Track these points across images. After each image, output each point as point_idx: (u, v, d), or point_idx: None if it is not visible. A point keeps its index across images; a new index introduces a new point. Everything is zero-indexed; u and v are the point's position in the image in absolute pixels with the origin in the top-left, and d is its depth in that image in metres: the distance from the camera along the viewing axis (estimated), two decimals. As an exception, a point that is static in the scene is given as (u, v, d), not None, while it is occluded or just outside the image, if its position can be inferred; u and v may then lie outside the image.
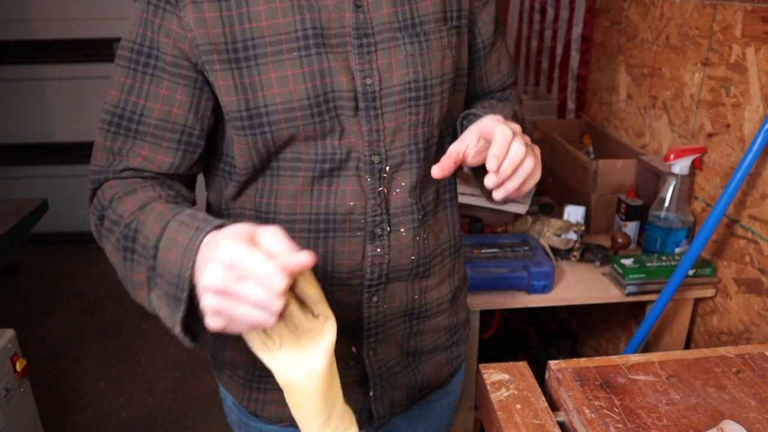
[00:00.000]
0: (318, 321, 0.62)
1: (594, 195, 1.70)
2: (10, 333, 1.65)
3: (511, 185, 0.73)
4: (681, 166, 1.46)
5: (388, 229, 0.85)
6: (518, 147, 0.71)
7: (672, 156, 1.46)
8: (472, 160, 0.78)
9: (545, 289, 1.43)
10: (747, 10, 1.33)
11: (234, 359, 0.94)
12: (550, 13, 2.65)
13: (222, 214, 0.89)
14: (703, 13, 1.49)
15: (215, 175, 0.87)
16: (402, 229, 0.86)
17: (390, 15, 0.78)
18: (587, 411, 0.77)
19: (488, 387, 0.83)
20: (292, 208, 0.82)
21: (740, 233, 1.37)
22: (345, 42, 0.77)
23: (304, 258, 0.55)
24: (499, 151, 0.70)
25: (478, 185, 0.90)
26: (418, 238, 0.88)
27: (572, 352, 2.25)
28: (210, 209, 0.92)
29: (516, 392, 0.82)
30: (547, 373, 0.89)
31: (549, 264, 1.43)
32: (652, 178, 1.63)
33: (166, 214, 0.69)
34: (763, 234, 1.30)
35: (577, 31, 2.33)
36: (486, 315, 1.95)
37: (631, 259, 1.47)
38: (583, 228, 1.61)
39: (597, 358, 0.88)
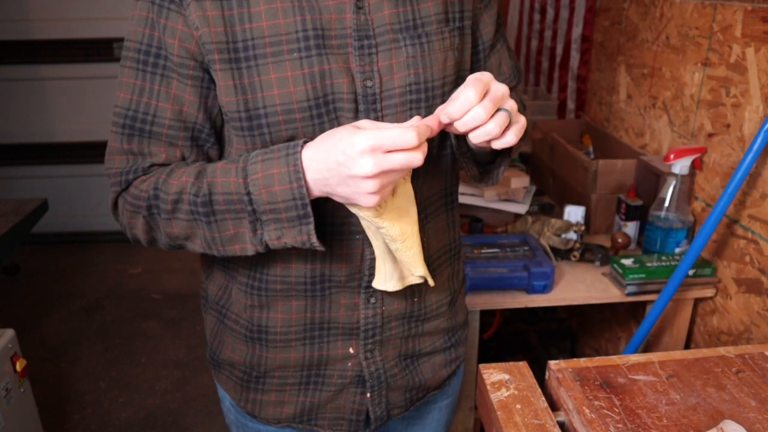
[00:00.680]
0: (407, 179, 0.75)
1: (594, 195, 1.70)
2: (10, 333, 1.65)
3: (475, 139, 0.72)
4: (681, 166, 1.46)
5: None
6: (477, 113, 0.69)
7: (672, 156, 1.46)
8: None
9: (545, 289, 1.43)
10: (747, 10, 1.33)
11: (231, 360, 0.94)
12: (550, 13, 2.65)
13: None
14: (703, 13, 1.49)
15: None
16: None
17: (391, 16, 0.78)
18: (587, 411, 0.77)
19: (488, 387, 0.83)
20: None
21: (740, 233, 1.37)
22: (346, 43, 0.77)
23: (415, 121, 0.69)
24: (455, 112, 0.70)
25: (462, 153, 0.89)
26: (418, 240, 0.88)
27: (572, 352, 2.25)
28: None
29: (516, 392, 0.82)
30: (547, 373, 0.89)
31: (549, 264, 1.43)
32: (652, 178, 1.63)
33: (233, 166, 0.74)
34: (763, 234, 1.30)
35: (577, 31, 2.33)
36: (486, 315, 1.95)
37: (631, 259, 1.47)
38: (583, 228, 1.61)
39: (597, 358, 0.88)
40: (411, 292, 0.90)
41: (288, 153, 0.71)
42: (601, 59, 2.12)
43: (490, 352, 2.18)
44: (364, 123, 0.69)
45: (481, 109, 0.69)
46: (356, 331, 0.89)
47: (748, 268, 1.35)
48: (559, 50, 2.54)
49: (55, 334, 2.77)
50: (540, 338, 2.26)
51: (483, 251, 1.51)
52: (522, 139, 0.79)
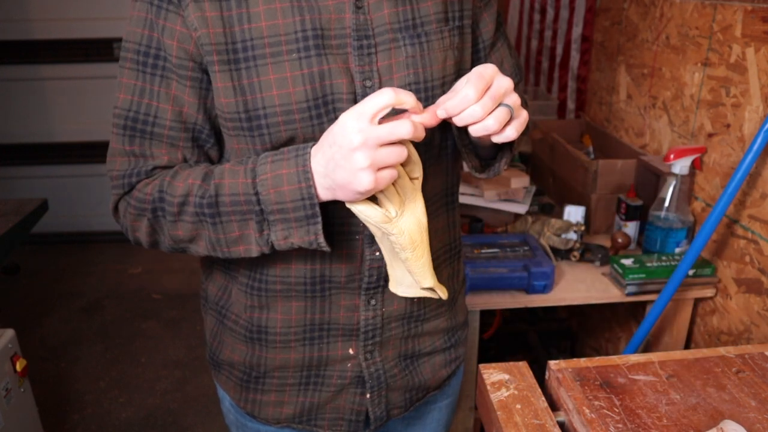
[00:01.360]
0: (416, 183, 0.75)
1: (594, 195, 1.70)
2: (10, 333, 1.65)
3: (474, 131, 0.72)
4: (681, 166, 1.46)
5: None
6: (475, 110, 0.69)
7: (672, 156, 1.46)
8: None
9: (545, 289, 1.43)
10: (747, 10, 1.33)
11: (231, 360, 0.94)
12: (550, 13, 2.65)
13: None
14: (703, 13, 1.49)
15: None
16: None
17: (391, 16, 0.78)
18: (587, 411, 0.77)
19: (488, 387, 0.83)
20: None
21: (740, 233, 1.37)
22: (345, 43, 0.76)
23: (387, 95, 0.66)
24: (452, 109, 0.70)
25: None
26: (418, 240, 0.88)
27: (572, 352, 2.25)
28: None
29: (516, 392, 0.82)
30: (547, 373, 0.89)
31: (549, 264, 1.43)
32: (652, 178, 1.63)
33: (241, 167, 0.74)
34: (763, 234, 1.30)
35: (577, 31, 2.33)
36: (486, 315, 1.95)
37: (631, 259, 1.47)
38: (583, 228, 1.61)
39: (597, 358, 0.88)
40: None
41: (297, 154, 0.72)
42: (601, 59, 2.12)
43: (490, 352, 2.18)
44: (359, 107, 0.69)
45: (479, 108, 0.69)
46: (356, 333, 0.89)
47: (748, 268, 1.35)
48: (559, 50, 2.54)
49: (55, 334, 2.77)
50: (540, 338, 2.26)
51: (483, 251, 1.51)
52: (524, 134, 0.78)
